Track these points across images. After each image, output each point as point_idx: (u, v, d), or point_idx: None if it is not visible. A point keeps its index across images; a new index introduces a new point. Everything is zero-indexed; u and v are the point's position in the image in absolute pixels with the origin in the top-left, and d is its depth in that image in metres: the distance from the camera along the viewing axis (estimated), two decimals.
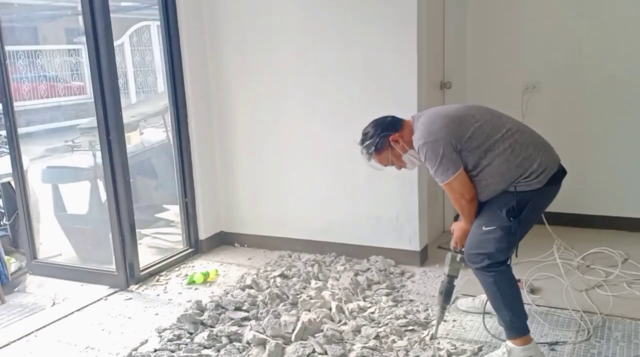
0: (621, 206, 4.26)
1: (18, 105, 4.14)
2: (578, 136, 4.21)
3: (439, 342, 2.75)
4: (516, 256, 2.59)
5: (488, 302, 2.92)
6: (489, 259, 2.44)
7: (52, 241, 4.38)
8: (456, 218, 2.75)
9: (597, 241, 3.94)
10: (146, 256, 4.05)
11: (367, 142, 2.62)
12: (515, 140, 2.43)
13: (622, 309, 2.98)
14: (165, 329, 3.01)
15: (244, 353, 2.71)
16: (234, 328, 2.92)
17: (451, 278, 2.74)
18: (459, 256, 2.69)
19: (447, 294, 2.76)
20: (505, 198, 2.43)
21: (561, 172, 2.49)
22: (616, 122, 4.18)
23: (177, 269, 3.99)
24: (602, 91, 4.17)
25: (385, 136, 2.59)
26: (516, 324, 2.51)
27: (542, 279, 3.38)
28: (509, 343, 2.53)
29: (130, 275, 3.67)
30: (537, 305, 3.06)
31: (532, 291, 3.21)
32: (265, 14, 3.95)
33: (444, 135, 2.41)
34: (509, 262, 2.52)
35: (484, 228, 2.45)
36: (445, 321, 2.88)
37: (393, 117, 2.70)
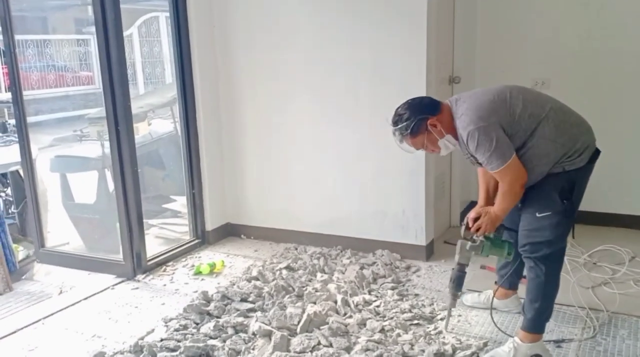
0: (629, 203, 4.24)
1: (27, 94, 4.15)
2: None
3: (444, 337, 2.76)
4: (573, 237, 2.56)
5: (494, 299, 2.95)
6: (548, 248, 2.41)
7: (59, 230, 4.40)
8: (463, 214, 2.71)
9: (604, 238, 3.94)
10: (153, 246, 4.07)
11: (402, 124, 2.45)
12: (558, 119, 2.36)
13: (628, 307, 2.98)
14: (171, 319, 3.03)
15: (250, 344, 2.73)
16: (240, 319, 2.93)
17: (462, 266, 2.70)
18: (468, 244, 2.63)
19: (458, 282, 2.72)
20: (554, 180, 2.38)
21: (597, 152, 2.45)
22: (626, 119, 4.15)
23: (183, 259, 4.01)
24: (612, 88, 4.15)
25: (422, 119, 2.43)
26: (540, 320, 2.51)
27: None
28: (517, 339, 2.54)
29: (137, 265, 3.69)
30: None
31: None
32: (274, 9, 3.94)
33: (495, 120, 2.31)
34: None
35: (537, 215, 2.40)
36: (458, 298, 2.86)
37: (430, 99, 2.58)
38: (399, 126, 2.47)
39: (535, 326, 2.52)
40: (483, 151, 2.33)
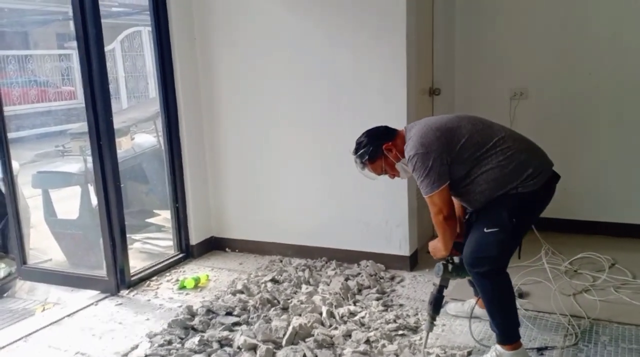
0: (608, 211, 4.30)
1: (8, 110, 4.13)
2: (565, 142, 4.26)
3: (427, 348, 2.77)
4: (519, 257, 2.64)
5: (476, 307, 2.97)
6: (490, 264, 2.45)
7: (42, 246, 4.36)
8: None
9: (585, 246, 3.98)
10: (137, 261, 4.05)
11: (361, 151, 2.64)
12: (507, 146, 2.46)
13: (609, 314, 3.01)
14: (156, 334, 3.01)
15: None
16: (225, 333, 2.92)
17: (441, 288, 2.72)
18: (450, 266, 2.67)
19: (436, 305, 2.72)
20: (506, 200, 2.45)
21: (555, 177, 2.54)
22: (602, 128, 4.23)
23: (168, 274, 3.99)
24: (588, 98, 4.22)
25: (378, 145, 2.61)
26: (508, 331, 2.54)
27: (530, 283, 3.41)
28: (499, 347, 2.55)
29: (121, 280, 3.67)
30: (525, 309, 3.08)
31: (521, 295, 3.23)
32: (255, 22, 3.97)
33: (435, 148, 2.44)
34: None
35: (485, 230, 2.46)
36: (435, 325, 2.88)
37: (386, 127, 2.74)
38: (359, 153, 2.66)
39: (506, 337, 2.54)
40: (417, 176, 2.51)
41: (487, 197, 2.49)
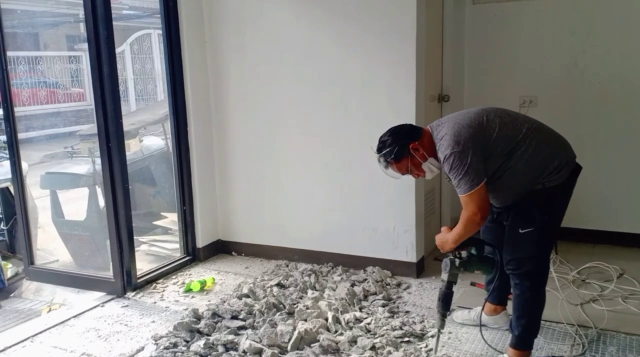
0: (617, 221, 4.27)
1: (18, 110, 4.14)
2: (574, 151, 4.22)
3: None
4: (556, 253, 2.62)
5: (483, 315, 2.96)
6: (531, 263, 2.46)
7: (49, 247, 4.38)
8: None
9: (593, 255, 3.97)
10: (143, 263, 4.06)
11: (386, 150, 2.55)
12: (535, 138, 2.44)
13: (617, 323, 3.00)
14: (161, 337, 3.01)
15: None
16: (230, 337, 2.92)
17: (450, 284, 2.65)
18: (457, 261, 2.62)
19: (446, 301, 2.66)
20: (535, 197, 2.44)
21: (578, 169, 2.53)
22: (612, 137, 4.21)
23: (174, 276, 3.99)
24: (598, 106, 4.21)
25: (404, 144, 2.53)
26: (528, 336, 2.56)
27: None
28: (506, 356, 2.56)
29: (127, 282, 3.67)
30: None
31: None
32: (265, 26, 3.98)
33: (471, 145, 2.39)
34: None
35: (520, 231, 2.46)
36: (442, 332, 2.85)
37: (411, 125, 2.69)
38: (383, 152, 2.56)
39: (524, 342, 2.55)
40: (455, 175, 2.42)
41: (515, 192, 2.47)
